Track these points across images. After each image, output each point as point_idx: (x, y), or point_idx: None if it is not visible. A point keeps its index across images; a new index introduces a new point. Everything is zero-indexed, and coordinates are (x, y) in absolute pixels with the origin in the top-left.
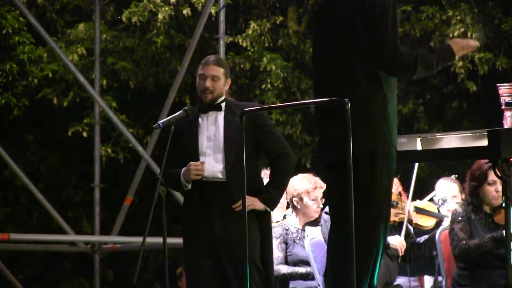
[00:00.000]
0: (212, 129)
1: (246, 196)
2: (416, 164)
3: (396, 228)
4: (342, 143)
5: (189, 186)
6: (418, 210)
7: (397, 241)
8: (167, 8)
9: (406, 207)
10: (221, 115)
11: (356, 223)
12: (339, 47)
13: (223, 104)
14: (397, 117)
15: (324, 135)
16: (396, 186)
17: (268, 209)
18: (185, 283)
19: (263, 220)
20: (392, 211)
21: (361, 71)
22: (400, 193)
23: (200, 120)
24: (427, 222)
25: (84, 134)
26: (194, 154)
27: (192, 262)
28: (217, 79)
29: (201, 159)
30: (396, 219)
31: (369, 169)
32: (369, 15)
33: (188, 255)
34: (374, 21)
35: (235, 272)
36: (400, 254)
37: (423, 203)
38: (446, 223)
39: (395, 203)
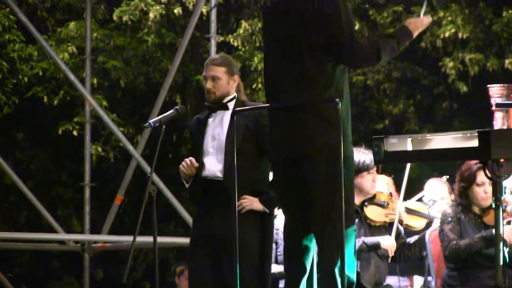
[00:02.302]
0: (217, 129)
1: (246, 196)
2: (408, 165)
3: (387, 228)
4: (313, 140)
5: (187, 185)
6: (409, 211)
7: (387, 242)
8: (158, 7)
9: (396, 207)
10: (227, 115)
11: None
12: (290, 48)
13: (230, 103)
14: (350, 114)
15: (282, 131)
16: (388, 186)
17: (266, 210)
18: (182, 280)
19: (265, 220)
20: (383, 211)
21: (314, 70)
22: (391, 194)
23: (210, 119)
24: (418, 223)
25: (75, 132)
26: (199, 153)
27: (192, 259)
28: (217, 79)
29: (205, 158)
30: (387, 219)
31: (326, 165)
32: (321, 14)
33: (190, 252)
34: (326, 20)
35: (231, 271)
36: (390, 255)
37: (414, 204)
38: (436, 224)
39: (385, 203)
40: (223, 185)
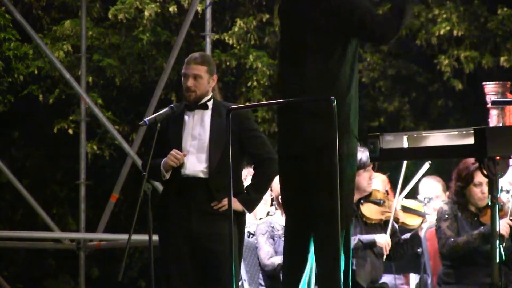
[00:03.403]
0: (197, 128)
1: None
2: (405, 163)
3: (383, 226)
4: (318, 138)
5: (167, 176)
6: (405, 209)
7: (383, 240)
8: (153, 5)
9: (392, 205)
10: (207, 115)
11: (323, 221)
12: (300, 42)
13: (210, 103)
14: (358, 107)
15: (288, 127)
16: (384, 184)
17: (246, 211)
18: None
19: (239, 220)
20: (379, 209)
21: (319, 68)
22: (387, 192)
23: (186, 118)
24: (414, 221)
25: (70, 131)
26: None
27: (170, 258)
28: (199, 77)
29: (184, 157)
30: (383, 217)
31: (330, 161)
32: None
33: (165, 251)
34: (343, 3)
35: (213, 268)
36: (385, 253)
37: (410, 203)
38: (429, 219)
39: (382, 201)
40: (204, 184)
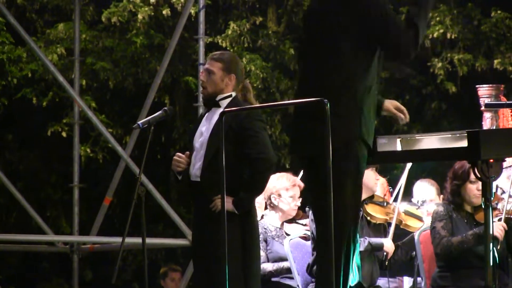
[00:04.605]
0: (205, 125)
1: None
2: (408, 166)
3: (386, 227)
4: (315, 139)
5: (179, 177)
6: (407, 212)
7: (389, 244)
8: (146, 9)
9: (395, 208)
10: (217, 113)
11: (323, 222)
12: (318, 45)
13: (223, 102)
14: (374, 112)
15: (296, 129)
16: (383, 187)
17: (235, 211)
18: (168, 282)
19: (245, 220)
20: (383, 210)
21: (336, 66)
22: (391, 193)
23: (205, 115)
24: (416, 224)
25: (64, 134)
26: (190, 148)
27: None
28: (211, 73)
29: (193, 155)
30: (388, 218)
31: (338, 164)
32: (362, 13)
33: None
34: (369, 15)
35: (218, 273)
36: (389, 257)
37: (409, 207)
38: (427, 220)
39: (384, 203)
40: (200, 186)
